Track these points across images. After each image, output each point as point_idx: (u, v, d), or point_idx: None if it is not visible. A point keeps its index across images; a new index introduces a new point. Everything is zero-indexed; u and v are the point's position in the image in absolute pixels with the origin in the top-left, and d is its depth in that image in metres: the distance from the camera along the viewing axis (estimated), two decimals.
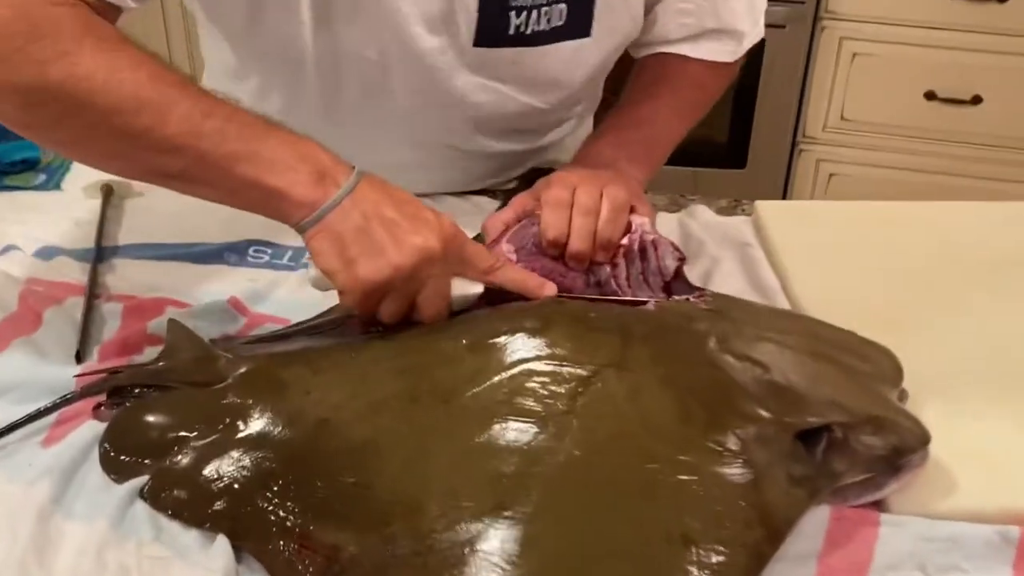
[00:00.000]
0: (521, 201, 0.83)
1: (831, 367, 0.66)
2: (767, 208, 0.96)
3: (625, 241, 0.79)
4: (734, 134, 2.18)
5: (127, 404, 0.69)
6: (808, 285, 0.85)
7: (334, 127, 0.86)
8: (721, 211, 1.00)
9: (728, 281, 0.86)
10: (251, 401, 0.66)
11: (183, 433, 0.65)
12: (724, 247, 0.91)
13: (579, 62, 0.93)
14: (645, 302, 0.74)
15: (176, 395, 0.69)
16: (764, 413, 0.60)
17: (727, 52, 0.98)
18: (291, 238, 0.81)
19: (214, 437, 0.64)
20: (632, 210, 0.81)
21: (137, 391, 0.70)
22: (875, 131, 2.07)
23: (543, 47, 0.89)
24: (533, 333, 0.65)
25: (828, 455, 0.59)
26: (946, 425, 0.64)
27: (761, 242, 0.92)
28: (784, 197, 2.17)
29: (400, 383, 0.65)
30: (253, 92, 0.93)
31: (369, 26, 0.85)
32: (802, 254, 0.89)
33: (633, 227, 0.80)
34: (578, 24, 0.89)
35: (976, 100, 2.01)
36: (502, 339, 0.65)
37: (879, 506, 0.61)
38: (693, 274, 0.87)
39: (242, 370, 0.69)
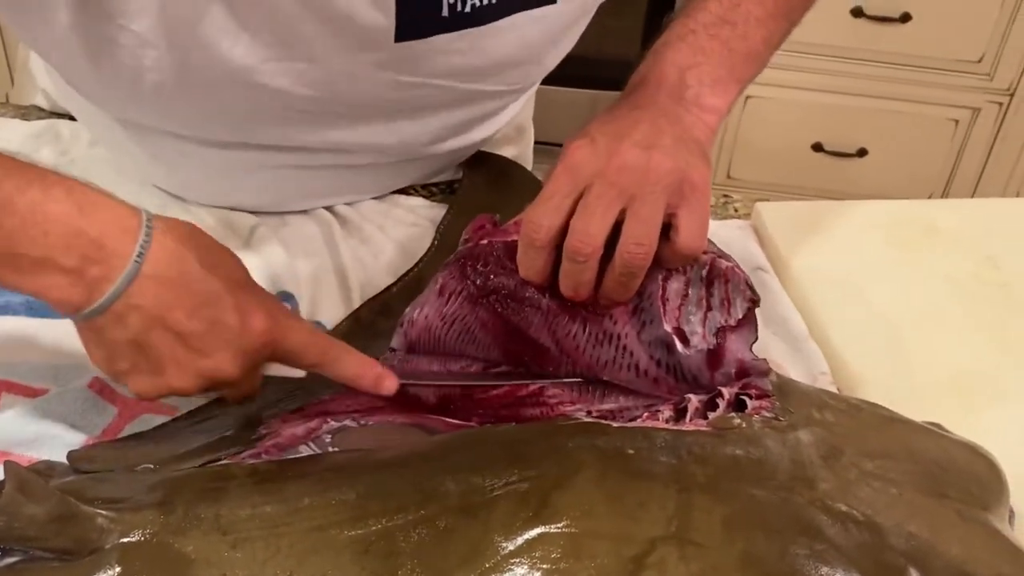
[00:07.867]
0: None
1: (944, 508, 0.49)
2: (773, 212, 0.78)
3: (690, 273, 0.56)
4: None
5: None
6: (840, 323, 0.68)
7: None
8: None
9: None
10: None
11: None
12: None
13: (543, 34, 0.70)
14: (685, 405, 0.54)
15: (28, 572, 0.48)
16: None
17: None
18: None
19: None
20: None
21: None
22: (795, 51, 1.89)
23: (491, 24, 0.65)
24: (549, 486, 0.46)
25: None
26: None
27: (770, 259, 0.75)
28: None
29: (366, 566, 0.45)
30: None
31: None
32: (826, 276, 0.72)
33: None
34: None
35: (905, 18, 1.86)
36: (503, 495, 0.46)
37: None
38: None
39: (125, 539, 0.47)
